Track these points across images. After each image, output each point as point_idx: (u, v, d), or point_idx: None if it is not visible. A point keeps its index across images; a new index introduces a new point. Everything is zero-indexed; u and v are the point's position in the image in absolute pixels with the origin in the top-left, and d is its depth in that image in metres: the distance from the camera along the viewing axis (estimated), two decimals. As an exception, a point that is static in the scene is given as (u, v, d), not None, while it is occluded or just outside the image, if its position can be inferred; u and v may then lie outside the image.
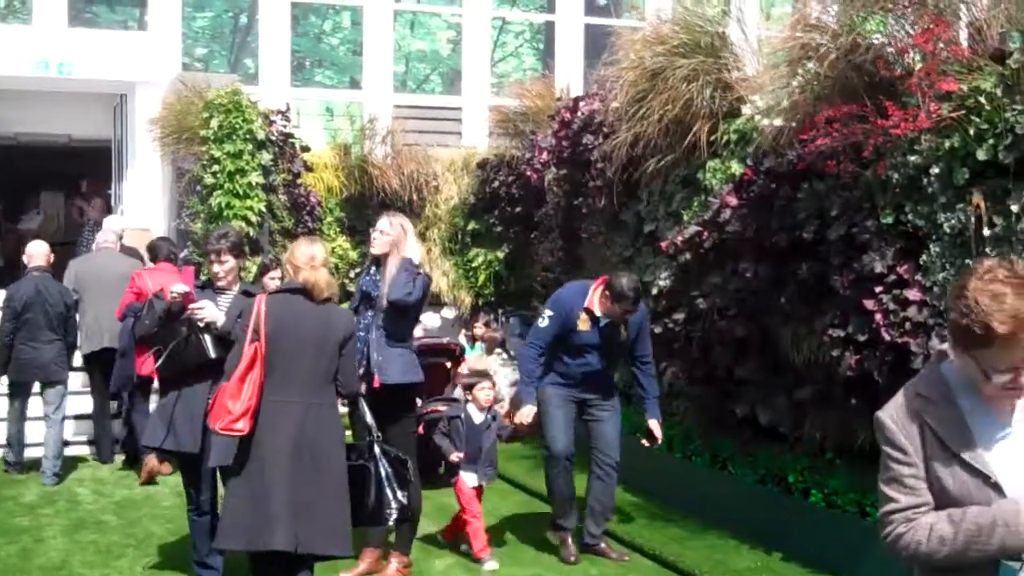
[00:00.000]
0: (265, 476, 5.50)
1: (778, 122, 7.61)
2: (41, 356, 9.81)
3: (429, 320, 12.23)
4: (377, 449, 6.11)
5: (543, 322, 7.68)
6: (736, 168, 8.29)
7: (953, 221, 6.18)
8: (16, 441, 10.18)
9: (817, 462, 7.58)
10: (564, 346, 7.67)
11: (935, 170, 6.28)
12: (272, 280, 8.65)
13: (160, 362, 6.51)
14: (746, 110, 8.49)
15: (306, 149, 13.31)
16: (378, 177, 13.93)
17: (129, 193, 14.98)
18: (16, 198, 18.40)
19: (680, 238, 8.51)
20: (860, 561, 6.71)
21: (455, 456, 7.62)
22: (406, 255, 6.83)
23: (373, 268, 7.07)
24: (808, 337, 7.32)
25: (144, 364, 9.05)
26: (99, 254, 11.23)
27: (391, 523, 6.40)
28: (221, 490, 6.53)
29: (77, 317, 10.55)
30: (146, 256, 10.62)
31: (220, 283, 6.62)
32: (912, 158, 6.41)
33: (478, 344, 12.33)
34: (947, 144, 6.17)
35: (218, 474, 6.45)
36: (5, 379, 10.17)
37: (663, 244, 8.76)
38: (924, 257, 6.37)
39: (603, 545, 7.79)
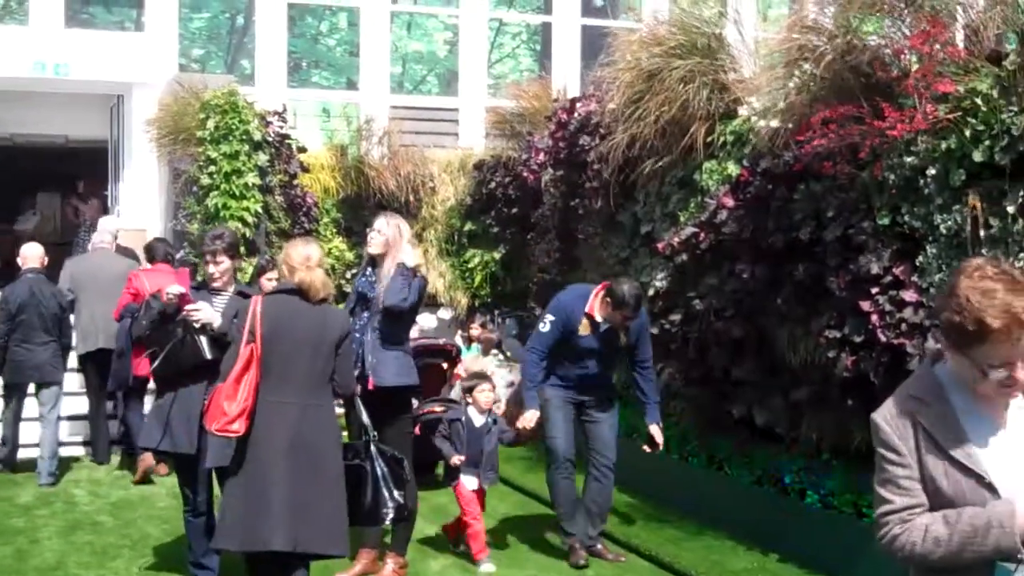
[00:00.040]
0: (263, 477, 5.50)
1: (774, 123, 7.61)
2: (36, 357, 9.82)
3: (425, 321, 12.22)
4: (373, 449, 6.13)
5: (544, 327, 7.66)
6: (732, 169, 8.29)
7: (949, 222, 6.18)
8: (11, 442, 10.19)
9: (813, 463, 7.58)
10: (564, 350, 7.65)
11: (931, 171, 6.29)
12: (269, 281, 8.65)
13: (156, 363, 6.51)
14: (743, 111, 8.49)
15: (303, 150, 13.30)
16: (375, 178, 13.92)
17: (126, 194, 14.97)
18: (13, 199, 18.40)
19: (677, 239, 8.51)
20: (856, 562, 6.71)
21: (456, 459, 7.58)
22: (401, 259, 6.81)
23: (369, 269, 7.06)
24: (804, 338, 7.32)
25: (140, 365, 9.06)
26: (95, 254, 11.21)
27: (388, 523, 6.41)
28: (217, 491, 6.54)
29: (72, 318, 10.55)
30: (142, 256, 10.62)
31: (215, 284, 6.62)
32: (908, 159, 6.42)
33: (474, 345, 12.32)
34: (943, 145, 6.18)
35: (214, 475, 6.46)
36: (0, 380, 10.17)
37: (660, 245, 8.76)
38: (920, 258, 6.38)
39: (599, 546, 7.79)
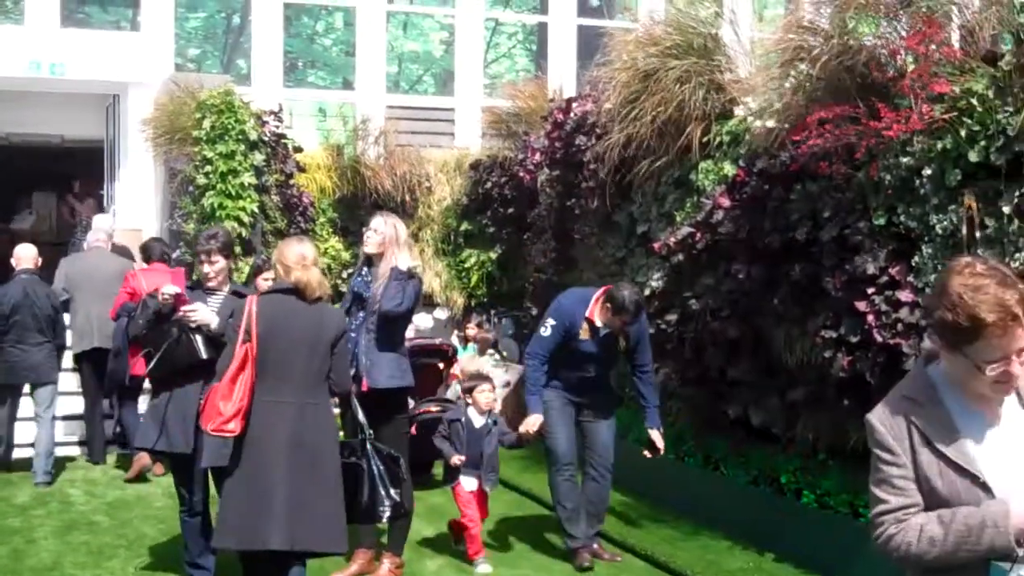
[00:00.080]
0: (262, 477, 5.51)
1: (771, 124, 7.62)
2: (30, 358, 9.82)
3: (421, 321, 12.22)
4: (369, 447, 6.14)
5: (545, 331, 7.62)
6: (729, 169, 8.30)
7: (945, 222, 6.19)
8: (6, 442, 10.18)
9: (809, 463, 7.59)
10: (563, 354, 7.62)
11: (927, 172, 6.29)
12: (265, 281, 8.62)
13: (152, 364, 6.51)
14: (739, 111, 8.50)
15: (299, 150, 13.30)
16: (371, 178, 13.92)
17: (121, 193, 14.96)
18: (9, 198, 18.38)
19: (673, 239, 8.52)
20: (852, 562, 6.71)
21: (456, 459, 7.53)
22: (395, 264, 6.80)
23: (365, 268, 7.06)
24: (801, 338, 7.33)
25: (136, 364, 9.05)
26: (90, 253, 11.20)
27: (385, 520, 6.41)
28: (212, 491, 6.54)
29: (68, 317, 10.55)
30: (138, 255, 10.61)
31: (210, 283, 6.62)
32: (904, 160, 6.42)
33: (470, 345, 12.32)
34: (939, 146, 6.18)
35: (209, 475, 6.46)
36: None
37: (656, 245, 8.77)
38: (916, 258, 6.38)
39: (596, 546, 7.78)
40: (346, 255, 13.54)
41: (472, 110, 16.38)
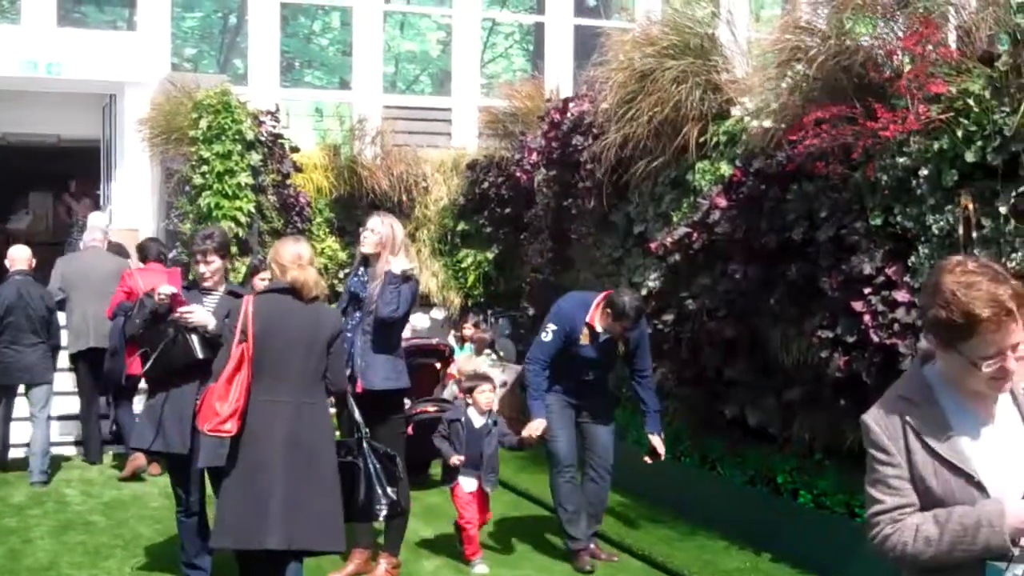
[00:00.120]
0: (260, 476, 5.52)
1: (767, 124, 7.62)
2: (25, 359, 9.83)
3: (418, 321, 12.22)
4: (366, 446, 6.15)
5: (546, 336, 7.59)
6: (725, 169, 8.30)
7: (942, 223, 6.19)
8: (1, 442, 10.19)
9: (806, 463, 7.59)
10: (562, 358, 7.59)
11: (924, 172, 6.30)
12: (262, 281, 8.62)
13: (148, 364, 6.50)
14: (735, 112, 8.49)
15: (295, 150, 13.29)
16: (367, 178, 13.91)
17: (118, 193, 14.95)
18: (5, 198, 18.36)
19: (670, 239, 8.52)
20: (848, 562, 6.72)
21: (455, 459, 7.50)
22: (389, 268, 6.78)
23: (361, 269, 7.05)
24: (797, 338, 7.33)
25: (132, 364, 9.05)
26: (86, 253, 11.21)
27: (382, 519, 6.43)
28: (209, 491, 6.54)
29: (64, 317, 10.56)
30: (134, 254, 10.61)
31: (206, 283, 6.62)
32: (901, 160, 6.43)
33: (467, 345, 12.31)
34: (936, 146, 6.19)
35: (206, 475, 6.46)
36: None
37: (652, 245, 8.77)
38: (913, 259, 6.39)
39: (592, 546, 7.78)
40: (343, 255, 13.52)
41: (469, 110, 16.37)
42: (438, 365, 10.95)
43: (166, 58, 15.32)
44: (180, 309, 6.33)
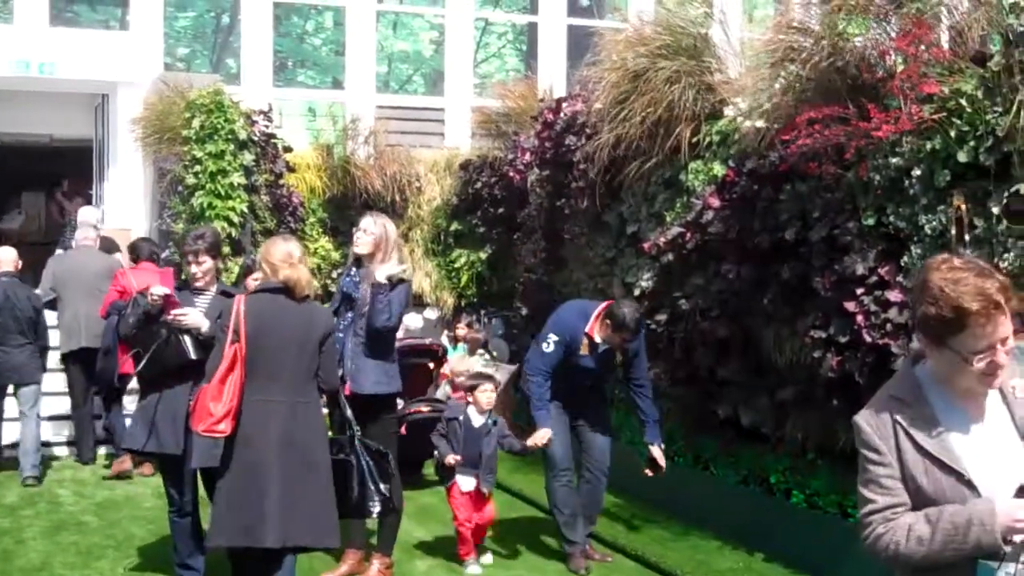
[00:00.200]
0: (255, 476, 5.53)
1: (760, 124, 7.64)
2: (12, 359, 9.82)
3: (411, 321, 12.21)
4: (358, 443, 6.16)
5: (548, 347, 7.53)
6: (718, 169, 8.30)
7: (934, 223, 6.20)
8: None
9: (799, 463, 7.60)
10: (560, 367, 7.56)
11: (916, 172, 6.31)
12: (255, 281, 8.62)
13: (141, 365, 6.49)
14: (728, 112, 8.51)
15: (288, 149, 13.27)
16: (361, 178, 13.90)
17: (110, 193, 14.93)
18: (-2, 198, 18.35)
19: (663, 239, 8.52)
20: (841, 562, 6.73)
21: (451, 458, 7.45)
22: (376, 278, 6.70)
23: (354, 269, 7.05)
24: (790, 338, 7.34)
25: (125, 363, 9.04)
26: (78, 252, 11.18)
27: (375, 515, 6.44)
28: (201, 491, 6.53)
29: (56, 316, 10.54)
30: (126, 255, 10.59)
31: (198, 284, 6.61)
32: (894, 160, 6.43)
33: (460, 345, 12.31)
34: (928, 146, 6.20)
35: (198, 475, 6.45)
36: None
37: (646, 245, 8.77)
38: (905, 259, 6.40)
39: (587, 546, 7.78)
40: (336, 255, 13.50)
41: (462, 110, 16.37)
42: (431, 365, 10.94)
43: (159, 58, 15.30)
44: (173, 312, 6.31)
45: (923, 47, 6.42)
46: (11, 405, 10.21)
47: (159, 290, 6.43)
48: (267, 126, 12.99)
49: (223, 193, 12.03)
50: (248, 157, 12.37)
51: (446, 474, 7.56)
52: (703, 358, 8.32)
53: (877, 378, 5.79)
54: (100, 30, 16.40)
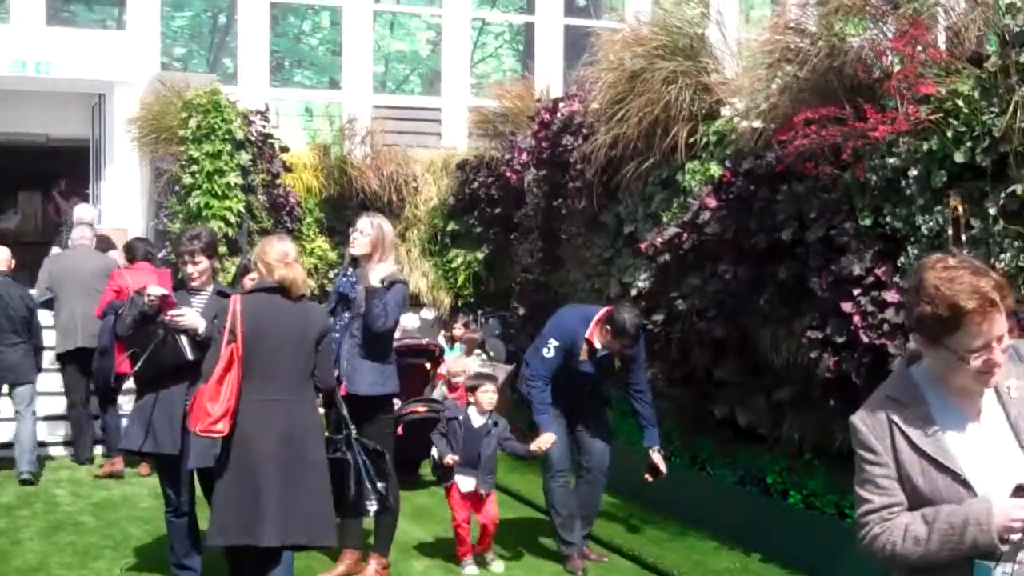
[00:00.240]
0: (254, 475, 5.53)
1: (757, 124, 7.64)
2: (6, 359, 9.81)
3: (408, 321, 12.20)
4: (354, 442, 6.17)
5: (548, 352, 7.50)
6: (715, 170, 8.31)
7: (931, 223, 6.21)
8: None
9: (796, 463, 7.61)
10: (559, 371, 7.55)
11: (913, 172, 6.31)
12: (252, 281, 8.62)
13: (138, 365, 6.48)
14: (725, 112, 8.51)
15: (285, 149, 13.27)
16: (357, 178, 13.90)
17: (107, 193, 14.92)
18: (-6, 198, 18.34)
19: (659, 239, 8.53)
20: (838, 562, 6.73)
21: (449, 458, 7.41)
22: (369, 282, 6.68)
23: (350, 269, 7.04)
24: (787, 339, 7.34)
25: (122, 363, 9.04)
26: (74, 251, 11.17)
27: (371, 514, 6.44)
28: (198, 492, 6.53)
29: (52, 316, 10.53)
30: (122, 256, 10.59)
31: (194, 284, 6.60)
32: (890, 160, 6.44)
33: (457, 345, 12.31)
34: (925, 147, 6.20)
35: (195, 476, 6.45)
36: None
37: (642, 245, 8.77)
38: (902, 259, 6.40)
39: (583, 547, 7.78)
40: (332, 255, 13.51)
41: (459, 110, 16.38)
42: (428, 365, 10.94)
43: (155, 57, 15.29)
44: (171, 312, 6.30)
45: (920, 48, 6.42)
46: (6, 405, 10.20)
47: (156, 291, 6.43)
48: (264, 126, 13.00)
49: (220, 193, 12.04)
50: (245, 157, 12.38)
51: (444, 474, 7.54)
52: (700, 358, 8.32)
53: (874, 378, 5.79)
54: (97, 30, 16.41)
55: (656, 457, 7.64)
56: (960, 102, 6.02)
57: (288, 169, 13.33)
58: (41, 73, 14.21)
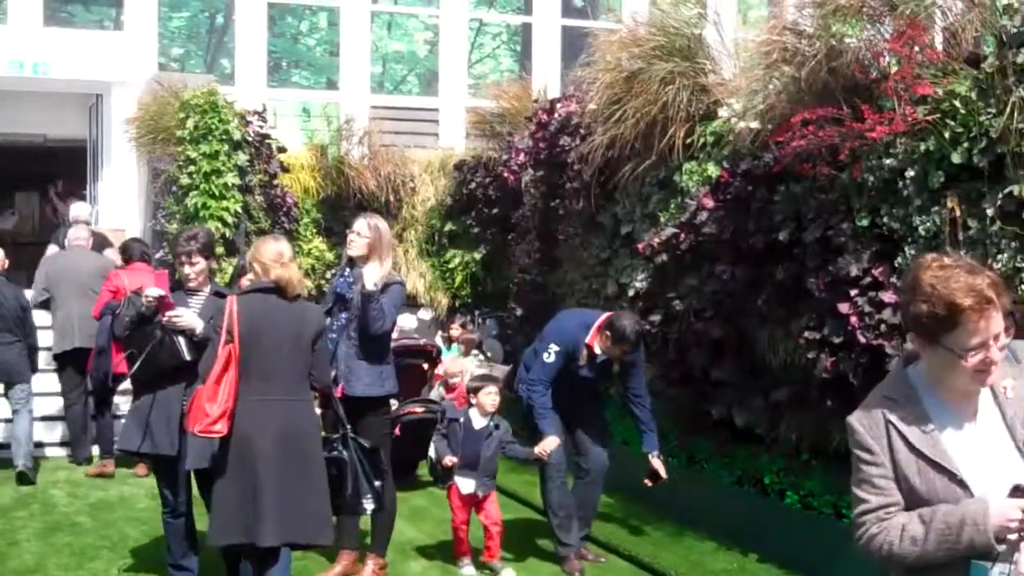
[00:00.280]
0: (253, 475, 5.54)
1: (754, 125, 7.64)
2: (1, 357, 9.80)
3: (405, 321, 12.20)
4: (350, 440, 6.17)
5: (549, 358, 7.49)
6: (712, 170, 8.31)
7: (928, 224, 6.21)
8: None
9: (793, 464, 7.61)
10: (558, 376, 7.55)
11: (910, 173, 6.31)
12: (249, 281, 8.63)
13: (136, 366, 6.48)
14: (722, 113, 8.51)
15: (282, 150, 13.27)
16: (355, 178, 13.90)
17: (105, 193, 14.92)
18: (-9, 198, 18.34)
19: (657, 240, 8.53)
20: (835, 562, 6.73)
21: (448, 460, 7.37)
22: (364, 286, 6.62)
23: (347, 270, 7.03)
24: (784, 339, 7.34)
25: (119, 363, 9.02)
26: (71, 252, 11.16)
27: (368, 512, 6.44)
28: (195, 492, 6.53)
29: (49, 316, 10.52)
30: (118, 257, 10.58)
31: (191, 284, 6.59)
32: (887, 161, 6.44)
33: (455, 345, 12.32)
34: (922, 147, 6.20)
35: (192, 476, 6.45)
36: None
37: (640, 246, 8.77)
38: (899, 260, 6.40)
39: (581, 548, 7.78)
40: (330, 255, 13.50)
41: (456, 110, 16.38)
42: (425, 366, 10.95)
43: (153, 58, 15.30)
44: (168, 313, 6.30)
45: (917, 48, 6.42)
46: (2, 405, 10.20)
47: (153, 291, 6.42)
48: (261, 126, 13.00)
49: (217, 193, 12.03)
50: (242, 157, 12.37)
51: (442, 474, 7.52)
52: (697, 359, 8.32)
53: (871, 379, 5.77)
54: (94, 30, 16.44)
55: (656, 462, 7.63)
56: (957, 103, 6.03)
57: (285, 169, 13.32)
58: (38, 73, 14.21)
